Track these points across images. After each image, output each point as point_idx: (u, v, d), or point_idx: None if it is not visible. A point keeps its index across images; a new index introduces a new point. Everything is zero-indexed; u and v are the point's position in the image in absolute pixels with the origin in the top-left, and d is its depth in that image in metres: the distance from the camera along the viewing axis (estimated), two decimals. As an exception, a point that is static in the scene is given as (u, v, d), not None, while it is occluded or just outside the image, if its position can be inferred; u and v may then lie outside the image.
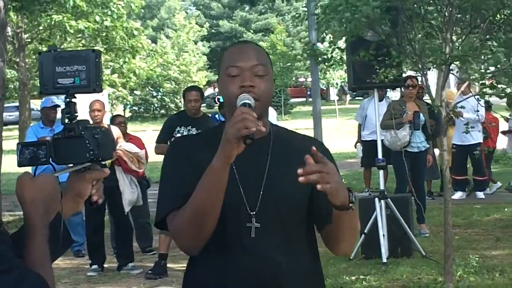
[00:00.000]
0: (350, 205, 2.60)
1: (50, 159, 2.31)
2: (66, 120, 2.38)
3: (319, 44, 10.69)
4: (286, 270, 2.71)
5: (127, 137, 9.43)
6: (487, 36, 7.47)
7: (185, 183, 2.65)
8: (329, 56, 9.88)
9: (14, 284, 1.94)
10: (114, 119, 9.90)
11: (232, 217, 2.68)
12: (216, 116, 14.30)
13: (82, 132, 2.35)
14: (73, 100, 2.39)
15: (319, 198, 2.68)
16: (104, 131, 2.39)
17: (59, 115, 10.98)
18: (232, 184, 2.66)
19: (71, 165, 2.39)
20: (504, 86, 7.39)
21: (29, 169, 2.36)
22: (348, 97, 57.35)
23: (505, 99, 9.07)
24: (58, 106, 10.02)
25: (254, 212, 2.69)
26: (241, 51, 2.79)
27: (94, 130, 2.36)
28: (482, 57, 7.39)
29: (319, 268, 2.90)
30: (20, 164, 2.31)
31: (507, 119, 14.65)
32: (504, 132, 14.70)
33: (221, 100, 16.66)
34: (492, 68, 7.33)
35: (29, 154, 2.29)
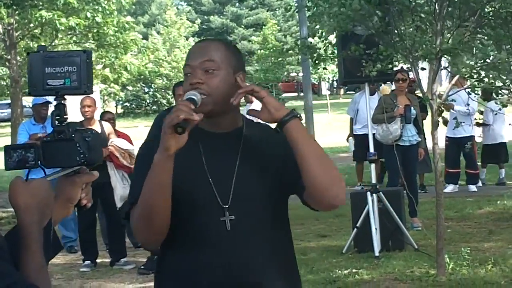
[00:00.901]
0: (293, 115, 2.63)
1: (39, 162, 2.23)
2: (56, 122, 2.31)
3: (310, 39, 10.65)
4: (261, 264, 2.70)
5: (116, 133, 9.43)
6: (478, 29, 7.48)
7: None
8: (322, 51, 9.85)
9: None
10: (103, 116, 9.91)
11: (204, 211, 2.68)
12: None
13: (73, 135, 2.28)
14: (63, 102, 2.32)
15: (289, 169, 2.71)
16: (94, 133, 2.33)
17: (50, 111, 10.91)
18: (203, 178, 2.68)
19: (60, 168, 2.32)
20: (492, 81, 7.41)
21: (20, 172, 2.31)
22: (342, 91, 57.23)
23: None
24: (50, 102, 10.02)
25: (227, 206, 2.69)
26: (194, 48, 2.81)
27: (85, 133, 2.30)
28: (473, 51, 7.40)
29: (295, 266, 2.88)
30: (7, 167, 2.23)
31: (481, 112, 14.69)
32: (478, 124, 14.76)
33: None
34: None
35: (17, 157, 2.21)
